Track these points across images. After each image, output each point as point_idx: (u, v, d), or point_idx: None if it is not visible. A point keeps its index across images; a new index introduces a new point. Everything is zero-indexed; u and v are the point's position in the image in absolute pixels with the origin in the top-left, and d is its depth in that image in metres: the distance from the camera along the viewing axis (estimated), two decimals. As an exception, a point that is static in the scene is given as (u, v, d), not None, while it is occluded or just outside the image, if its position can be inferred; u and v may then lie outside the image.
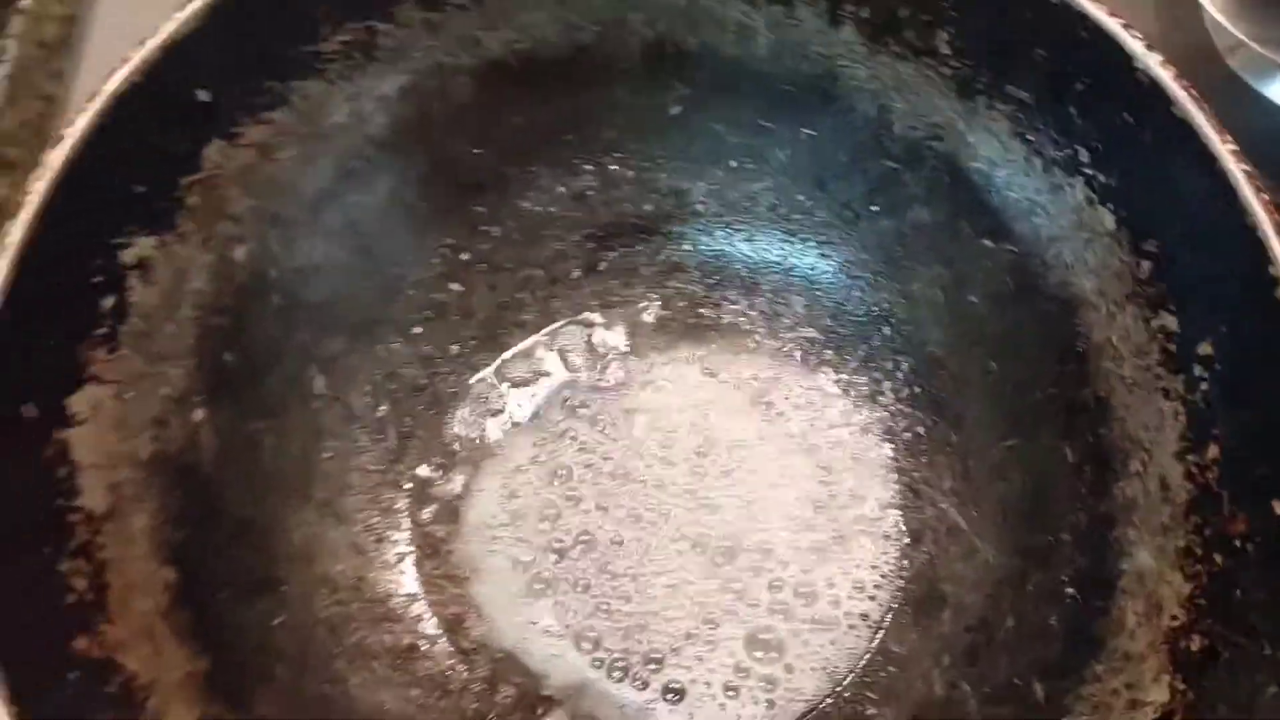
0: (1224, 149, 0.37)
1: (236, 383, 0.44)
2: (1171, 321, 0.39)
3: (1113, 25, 0.39)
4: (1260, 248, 0.36)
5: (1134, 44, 0.38)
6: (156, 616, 0.38)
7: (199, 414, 0.42)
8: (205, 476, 0.42)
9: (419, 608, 0.46)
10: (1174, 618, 0.36)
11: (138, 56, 0.38)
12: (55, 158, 0.37)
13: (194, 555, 0.40)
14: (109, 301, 0.40)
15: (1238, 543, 0.35)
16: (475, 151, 0.49)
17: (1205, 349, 0.38)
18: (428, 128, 0.47)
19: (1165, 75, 0.38)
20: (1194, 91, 0.38)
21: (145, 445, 0.40)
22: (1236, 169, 0.36)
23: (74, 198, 0.38)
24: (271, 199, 0.44)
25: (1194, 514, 0.37)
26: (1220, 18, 0.55)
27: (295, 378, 0.46)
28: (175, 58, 0.39)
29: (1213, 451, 0.37)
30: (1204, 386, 0.38)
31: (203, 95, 0.41)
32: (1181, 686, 0.35)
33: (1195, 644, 0.35)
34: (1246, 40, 0.55)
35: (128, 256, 0.40)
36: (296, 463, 0.46)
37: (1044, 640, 0.40)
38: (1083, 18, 0.39)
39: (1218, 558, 0.36)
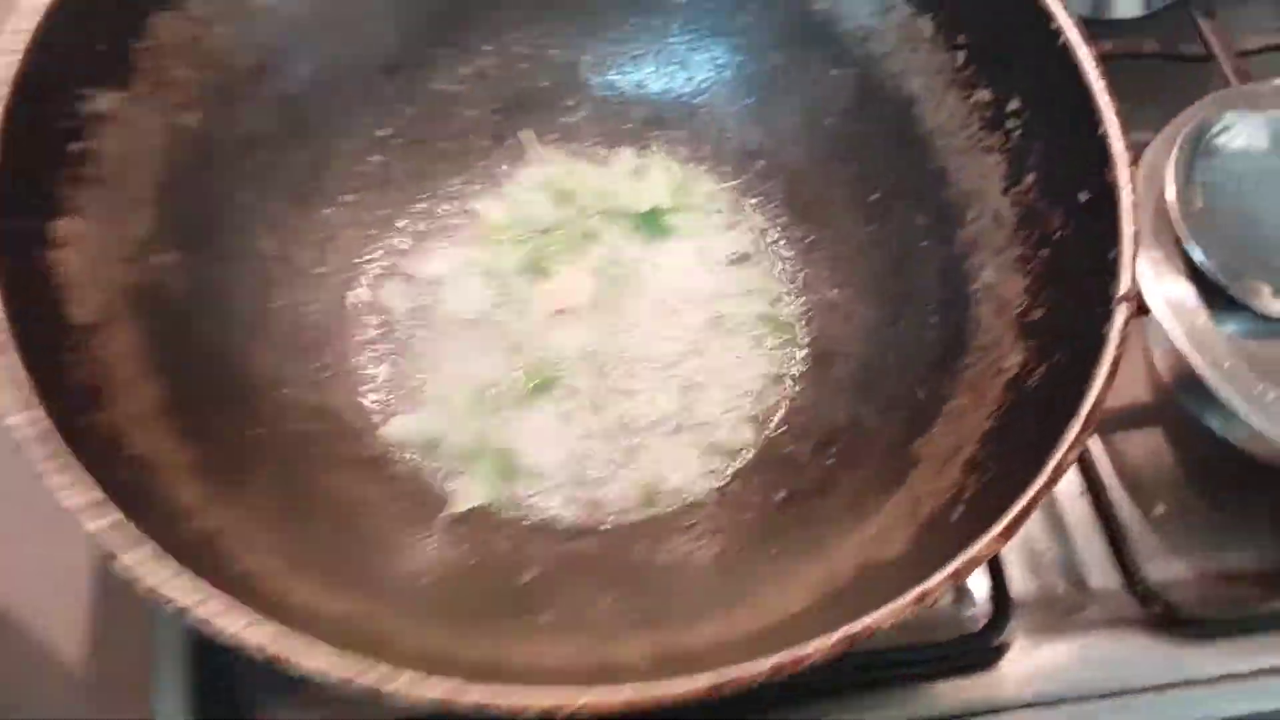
0: (1008, -60, 0.47)
1: (196, 233, 0.48)
2: (985, 94, 0.49)
3: None
4: (1045, 12, 0.46)
5: None
6: (151, 416, 0.42)
7: (168, 257, 0.47)
8: (179, 309, 0.46)
9: (377, 422, 0.51)
10: (1018, 305, 0.45)
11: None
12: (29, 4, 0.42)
13: (177, 371, 0.44)
14: (77, 146, 0.44)
15: (1056, 234, 0.45)
16: (386, 37, 0.55)
17: (1014, 104, 0.48)
18: (343, 12, 0.53)
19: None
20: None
21: (123, 275, 0.44)
22: (1016, -45, 0.47)
23: (46, 45, 0.42)
24: (212, 70, 0.49)
25: (1021, 229, 0.46)
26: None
27: (244, 234, 0.51)
28: (124, -71, 0.45)
29: (1029, 179, 0.47)
30: (1016, 134, 0.48)
31: (149, -34, 0.46)
32: (1032, 345, 0.43)
33: (1037, 315, 0.44)
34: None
35: (91, 108, 0.45)
36: (252, 307, 0.50)
37: (919, 358, 0.48)
38: None
39: (1044, 252, 0.45)
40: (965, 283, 0.48)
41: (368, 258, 0.55)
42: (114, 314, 0.43)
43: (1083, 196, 0.43)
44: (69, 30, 0.43)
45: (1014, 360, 0.44)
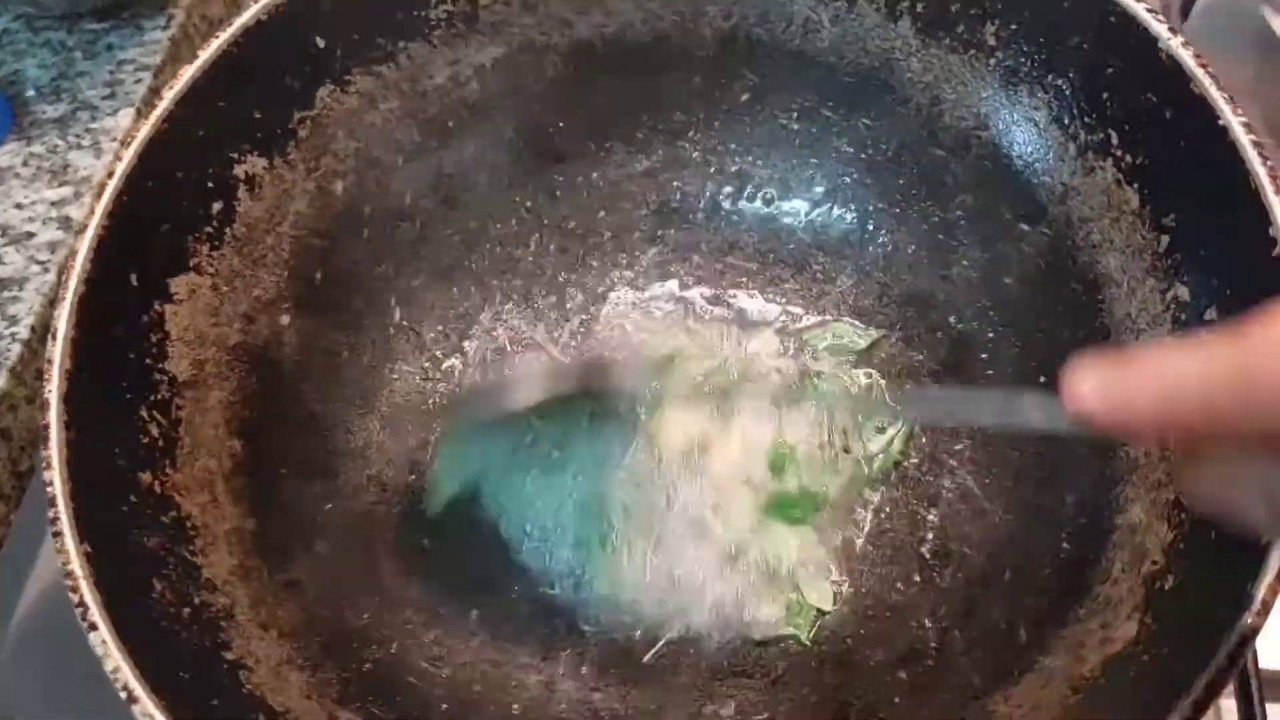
0: (1235, 119, 0.38)
1: (323, 298, 0.49)
2: (1184, 292, 0.41)
3: (1139, 10, 0.41)
4: (1263, 210, 0.37)
5: (1158, 27, 0.41)
6: (218, 476, 0.43)
7: (285, 319, 0.48)
8: (284, 372, 0.47)
9: (454, 521, 0.49)
10: (1154, 563, 0.37)
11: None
12: (187, 71, 0.44)
13: (261, 434, 0.45)
14: (218, 206, 0.46)
15: (1220, 489, 0.36)
16: (558, 124, 0.54)
17: (1211, 314, 0.39)
18: (517, 98, 0.53)
19: (1185, 55, 0.40)
20: (1210, 69, 0.39)
21: (233, 334, 0.46)
22: (1245, 138, 0.38)
23: (198, 109, 0.44)
24: (372, 143, 0.50)
25: (1186, 468, 0.38)
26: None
27: (376, 303, 0.51)
28: (299, 5, 0.46)
29: (1209, 409, 0.38)
30: (1208, 349, 0.39)
31: (320, 42, 0.48)
32: (1149, 621, 0.35)
33: (1169, 584, 0.36)
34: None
35: (240, 170, 0.46)
36: (366, 376, 0.51)
37: (1035, 591, 0.41)
38: (1113, 5, 0.42)
39: (1201, 506, 0.36)
40: (1109, 514, 0.40)
41: (498, 343, 0.54)
42: (212, 372, 0.45)
43: (1258, 452, 0.34)
44: (233, 92, 0.46)
45: (1124, 632, 0.35)
